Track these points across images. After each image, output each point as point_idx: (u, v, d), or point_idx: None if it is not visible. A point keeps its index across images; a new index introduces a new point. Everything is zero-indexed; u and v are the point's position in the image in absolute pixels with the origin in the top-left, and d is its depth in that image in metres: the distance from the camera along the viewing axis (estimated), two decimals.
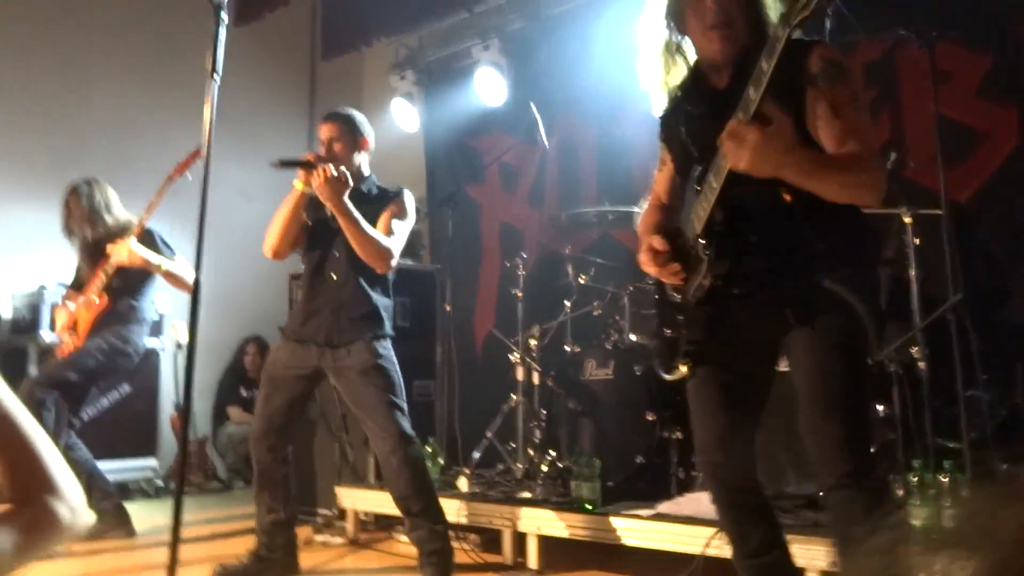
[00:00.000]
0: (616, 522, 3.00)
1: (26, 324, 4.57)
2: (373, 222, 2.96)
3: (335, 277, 2.97)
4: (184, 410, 2.09)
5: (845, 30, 2.94)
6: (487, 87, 5.48)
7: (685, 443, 3.33)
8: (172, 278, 3.68)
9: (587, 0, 5.19)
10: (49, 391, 3.46)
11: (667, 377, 1.95)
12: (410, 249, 4.69)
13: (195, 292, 1.96)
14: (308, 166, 2.86)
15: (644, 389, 3.38)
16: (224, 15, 2.31)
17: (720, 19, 1.73)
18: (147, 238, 3.68)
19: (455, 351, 4.17)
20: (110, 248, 3.60)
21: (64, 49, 5.05)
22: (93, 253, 3.75)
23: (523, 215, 5.48)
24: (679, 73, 1.89)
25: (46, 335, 4.43)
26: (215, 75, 2.10)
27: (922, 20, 3.02)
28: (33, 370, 4.42)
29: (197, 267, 1.97)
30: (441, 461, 3.81)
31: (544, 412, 3.78)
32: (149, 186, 3.67)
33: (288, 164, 2.88)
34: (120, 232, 3.70)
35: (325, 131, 3.03)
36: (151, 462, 5.10)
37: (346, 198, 2.82)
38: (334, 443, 4.11)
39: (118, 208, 3.84)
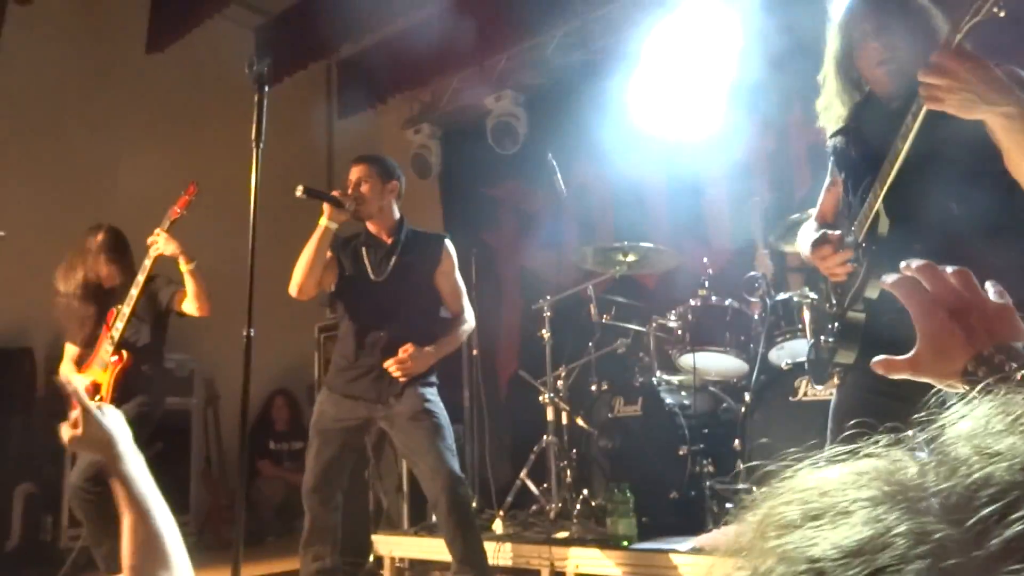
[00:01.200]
0: (654, 557, 3.03)
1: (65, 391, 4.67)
2: (421, 275, 3.04)
3: (383, 335, 2.97)
4: (241, 458, 2.16)
5: None
6: (501, 137, 5.64)
7: (718, 476, 3.37)
8: (196, 281, 3.44)
9: (595, 48, 5.36)
10: (96, 484, 3.29)
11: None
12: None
13: (248, 345, 2.06)
14: (334, 202, 2.88)
15: (674, 424, 3.43)
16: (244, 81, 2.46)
17: (888, 55, 1.80)
18: (151, 283, 3.55)
19: (483, 395, 4.23)
20: (154, 248, 3.43)
21: (94, 120, 5.25)
22: (99, 305, 3.57)
23: (541, 258, 5.59)
24: (855, 97, 1.95)
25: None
26: (259, 143, 2.22)
27: None
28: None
29: (248, 324, 2.08)
30: (474, 504, 3.84)
31: (575, 451, 3.82)
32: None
33: (314, 194, 2.87)
34: (128, 284, 3.52)
35: (354, 172, 3.06)
36: (183, 519, 5.14)
37: (429, 356, 2.96)
38: (367, 492, 4.16)
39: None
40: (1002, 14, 1.43)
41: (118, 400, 3.45)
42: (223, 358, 5.23)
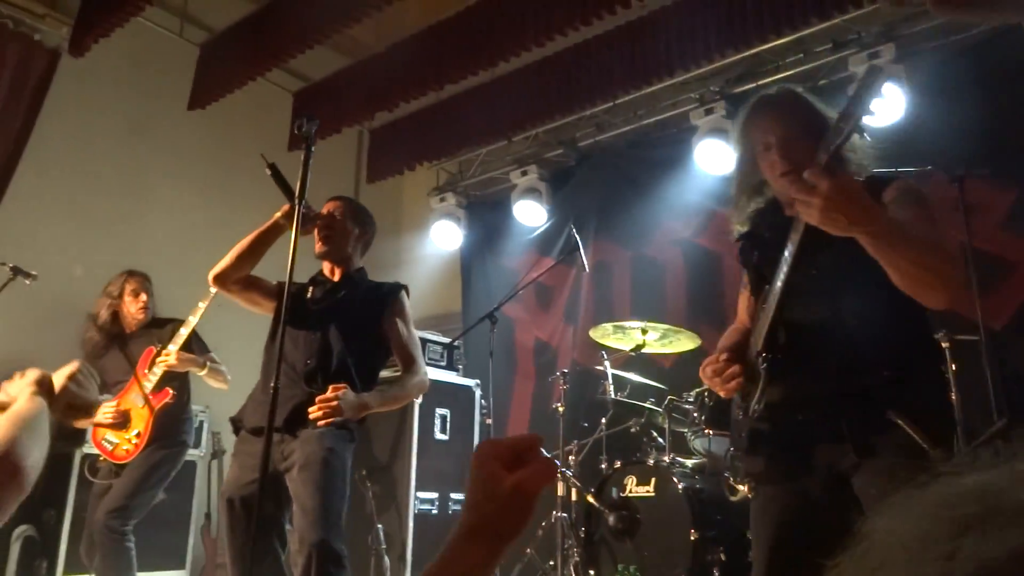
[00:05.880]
0: None
1: (72, 431, 4.65)
2: (365, 316, 2.75)
3: (311, 365, 2.66)
4: (259, 510, 2.14)
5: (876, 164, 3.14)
6: (525, 210, 5.75)
7: (729, 565, 3.31)
8: (213, 376, 3.65)
9: (621, 130, 5.51)
10: (127, 520, 3.39)
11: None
12: (449, 363, 4.81)
13: (274, 397, 2.07)
14: (292, 195, 2.47)
15: (687, 507, 3.39)
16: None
17: (788, 167, 1.79)
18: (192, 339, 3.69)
19: None
20: (164, 360, 3.53)
21: (131, 170, 5.39)
22: (129, 348, 3.72)
23: (557, 332, 5.62)
24: (758, 203, 1.96)
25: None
26: (302, 199, 2.29)
27: (948, 157, 3.23)
28: (75, 478, 4.45)
29: (276, 376, 2.10)
30: None
31: (583, 529, 3.76)
32: (199, 296, 3.69)
33: (279, 179, 2.51)
34: (156, 327, 3.73)
35: (329, 205, 2.89)
36: (180, 574, 5.04)
37: (362, 403, 2.58)
38: (369, 558, 4.08)
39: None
40: (867, 137, 1.58)
41: (153, 439, 3.54)
42: (230, 411, 5.23)
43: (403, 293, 2.86)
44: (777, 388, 1.76)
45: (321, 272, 2.90)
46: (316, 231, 2.81)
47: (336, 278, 2.85)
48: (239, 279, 2.72)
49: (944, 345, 3.05)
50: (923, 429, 1.61)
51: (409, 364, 2.77)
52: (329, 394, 2.48)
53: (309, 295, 2.80)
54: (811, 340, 1.74)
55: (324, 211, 2.86)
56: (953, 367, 3.04)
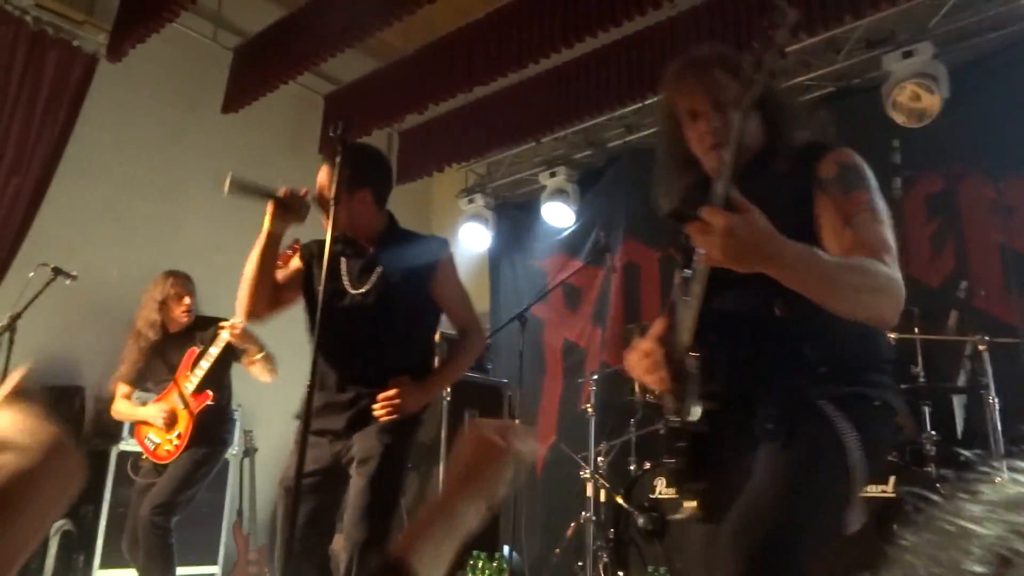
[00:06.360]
0: None
1: (109, 427, 4.74)
2: (412, 289, 2.45)
3: (363, 361, 2.42)
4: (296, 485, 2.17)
5: (911, 164, 3.10)
6: (553, 212, 5.76)
7: None
8: (266, 363, 3.61)
9: (651, 133, 5.49)
10: (170, 516, 3.43)
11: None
12: (478, 363, 4.83)
13: (311, 386, 2.09)
14: (278, 201, 2.30)
15: None
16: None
17: (717, 140, 1.60)
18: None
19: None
20: (228, 329, 3.44)
21: (164, 170, 5.48)
22: (171, 349, 3.74)
23: (586, 333, 5.61)
24: (688, 179, 1.76)
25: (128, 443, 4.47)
26: (338, 201, 2.28)
27: (986, 156, 3.18)
28: (111, 475, 4.54)
29: (312, 381, 2.13)
30: None
31: (612, 530, 3.76)
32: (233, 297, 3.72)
33: (248, 190, 2.27)
34: (199, 328, 3.74)
35: (320, 175, 2.46)
36: (213, 570, 5.11)
37: (424, 391, 2.41)
38: None
39: None
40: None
41: (195, 439, 3.55)
42: (261, 409, 5.30)
43: (448, 252, 2.56)
44: (709, 387, 1.56)
45: (347, 237, 2.52)
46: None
47: (369, 246, 2.52)
48: (264, 300, 2.48)
49: (980, 348, 3.00)
50: (858, 429, 1.45)
51: (466, 327, 2.58)
52: (391, 392, 2.33)
53: (345, 275, 2.48)
54: (742, 333, 1.56)
55: (318, 182, 2.47)
56: (990, 371, 2.99)
